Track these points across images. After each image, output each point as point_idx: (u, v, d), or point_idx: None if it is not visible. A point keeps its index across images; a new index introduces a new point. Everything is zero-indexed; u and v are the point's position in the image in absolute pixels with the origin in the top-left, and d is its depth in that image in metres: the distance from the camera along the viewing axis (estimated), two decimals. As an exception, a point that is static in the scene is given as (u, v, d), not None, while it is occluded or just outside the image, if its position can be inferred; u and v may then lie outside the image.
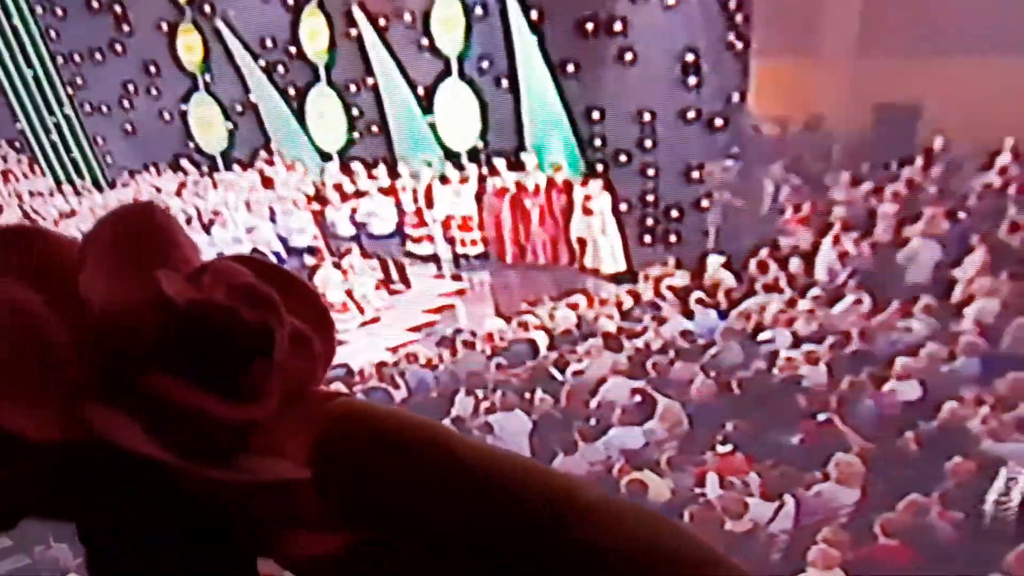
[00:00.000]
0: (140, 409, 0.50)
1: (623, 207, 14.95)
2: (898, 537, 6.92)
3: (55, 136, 18.08)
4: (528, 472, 0.56)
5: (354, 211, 15.30)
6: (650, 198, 15.06)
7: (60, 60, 17.89)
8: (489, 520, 0.54)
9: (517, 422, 9.09)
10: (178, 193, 16.51)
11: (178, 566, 0.53)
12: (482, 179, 15.45)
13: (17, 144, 18.46)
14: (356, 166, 16.30)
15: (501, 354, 11.14)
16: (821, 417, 8.50)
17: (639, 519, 0.56)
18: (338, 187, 15.97)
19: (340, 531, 0.55)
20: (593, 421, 9.12)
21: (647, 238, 15.13)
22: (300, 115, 17.22)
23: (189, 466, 0.50)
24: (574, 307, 12.72)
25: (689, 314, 11.48)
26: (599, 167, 14.92)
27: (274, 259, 13.74)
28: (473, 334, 11.96)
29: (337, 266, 14.28)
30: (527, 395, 9.67)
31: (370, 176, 15.79)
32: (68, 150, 18.08)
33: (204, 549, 0.53)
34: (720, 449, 8.23)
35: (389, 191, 15.61)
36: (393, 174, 15.82)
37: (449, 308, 14.63)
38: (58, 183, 18.05)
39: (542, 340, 11.58)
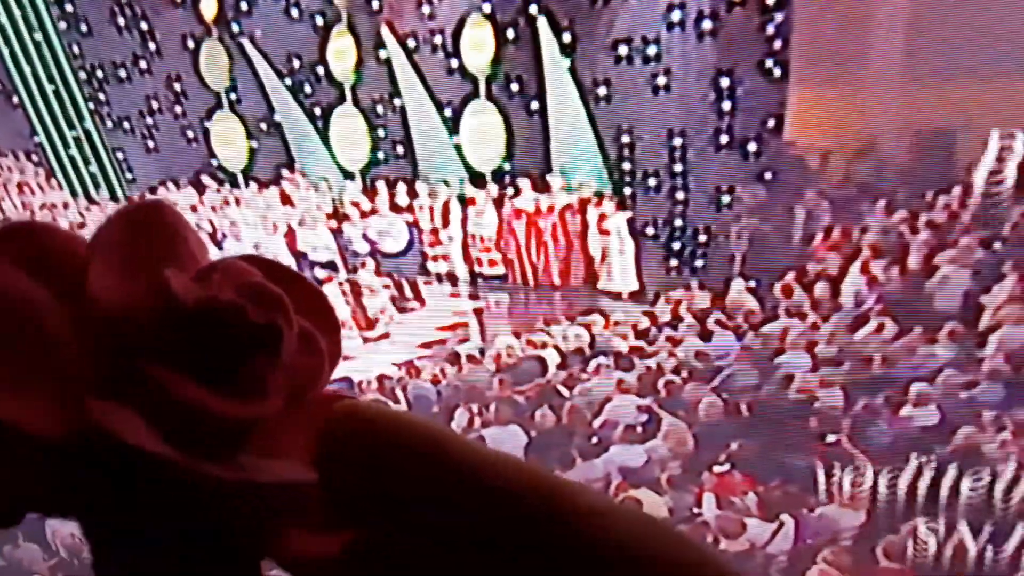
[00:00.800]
0: (144, 405, 0.50)
1: (649, 231, 14.89)
2: (901, 561, 6.80)
3: (74, 150, 18.25)
4: (529, 473, 0.57)
5: (367, 229, 15.30)
6: (678, 222, 15.00)
7: (83, 75, 18.14)
8: (489, 518, 0.55)
9: (511, 437, 9.09)
10: (194, 209, 16.60)
11: (180, 565, 0.53)
12: (501, 200, 15.45)
13: (35, 157, 18.57)
14: (377, 185, 16.35)
15: (508, 371, 11.15)
16: (830, 439, 8.39)
17: (638, 521, 0.56)
18: (356, 205, 16.03)
19: (342, 532, 0.55)
20: (596, 440, 9.15)
21: (673, 262, 15.03)
22: (324, 134, 17.37)
23: (193, 463, 0.50)
24: (588, 327, 12.67)
25: (707, 336, 11.44)
26: (626, 190, 14.86)
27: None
28: (482, 352, 11.87)
29: (349, 282, 14.29)
30: (530, 413, 9.70)
31: (391, 195, 15.82)
32: (87, 163, 18.26)
33: (206, 549, 0.53)
34: (717, 469, 8.20)
35: (406, 210, 15.68)
36: (412, 193, 15.87)
37: (462, 326, 14.63)
38: (74, 195, 18.22)
39: (552, 358, 11.56)
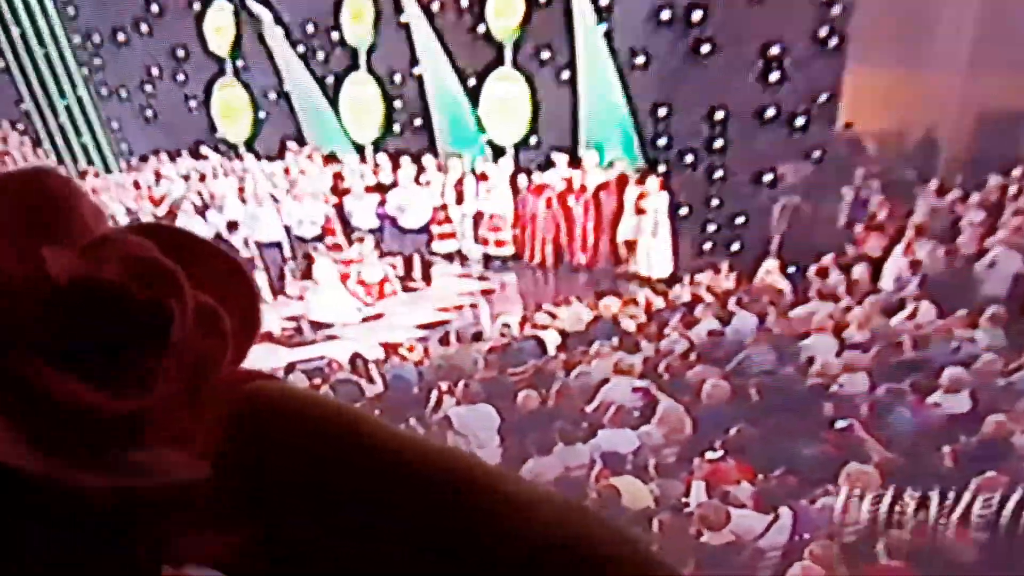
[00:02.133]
0: (13, 402, 0.48)
1: (683, 211, 14.56)
2: (903, 558, 6.41)
3: (64, 119, 18.06)
4: (452, 459, 0.58)
5: (382, 203, 15.07)
6: (714, 203, 14.74)
7: (77, 39, 17.98)
8: (407, 505, 0.55)
9: (482, 417, 8.86)
10: (186, 179, 16.44)
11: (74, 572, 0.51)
12: (517, 176, 15.19)
13: (20, 126, 18.30)
14: (385, 158, 16.15)
15: (500, 352, 10.84)
16: (841, 424, 8.03)
17: (560, 508, 0.58)
18: (365, 179, 15.81)
19: (241, 527, 0.54)
20: (586, 424, 8.88)
21: (706, 246, 14.74)
22: (335, 104, 17.15)
23: (68, 473, 0.48)
24: (593, 307, 12.41)
25: (727, 318, 11.11)
26: (661, 167, 14.59)
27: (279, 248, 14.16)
28: (478, 333, 11.61)
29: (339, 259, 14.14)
30: (511, 394, 9.40)
31: (395, 169, 15.57)
32: (79, 134, 18.06)
33: (85, 548, 0.51)
34: (710, 455, 7.89)
35: (417, 184, 15.40)
36: (423, 168, 15.60)
37: (466, 307, 14.36)
38: (62, 164, 17.78)
39: (552, 339, 11.29)
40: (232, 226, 14.03)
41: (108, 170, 18.03)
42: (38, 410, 0.48)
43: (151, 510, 0.51)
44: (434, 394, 9.57)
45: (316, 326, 12.92)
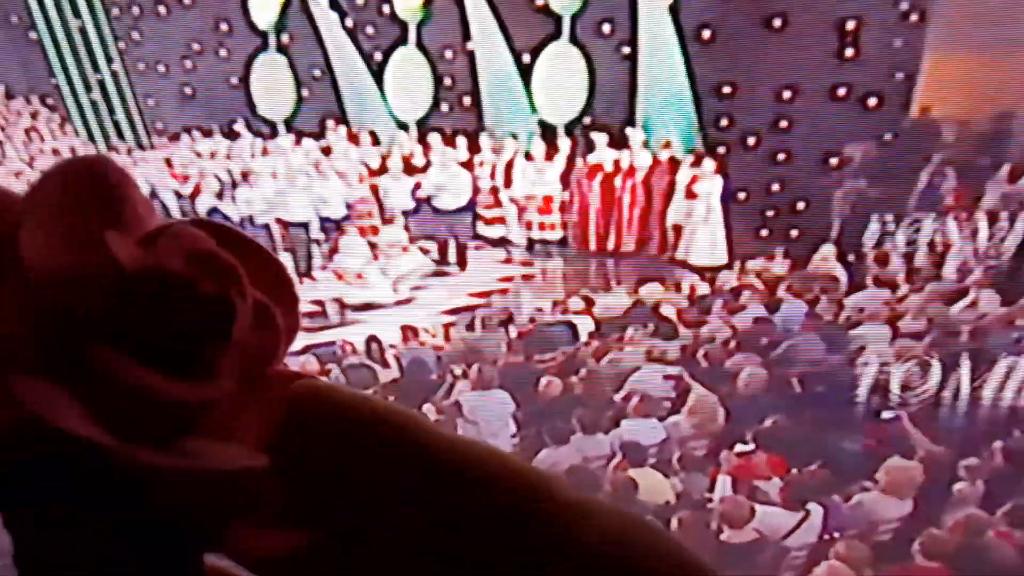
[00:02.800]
0: (80, 385, 0.49)
1: (741, 196, 14.23)
2: (940, 559, 6.11)
3: (97, 94, 17.83)
4: (503, 465, 0.58)
5: (418, 185, 14.89)
6: (775, 187, 14.33)
7: (115, 11, 17.66)
8: (466, 510, 0.56)
9: (496, 403, 8.72)
10: (212, 156, 16.35)
11: (114, 561, 0.52)
12: (572, 156, 14.88)
13: (50, 101, 18.03)
14: (429, 138, 15.81)
15: (528, 337, 10.73)
16: (886, 415, 7.80)
17: (618, 519, 0.58)
18: (406, 159, 15.53)
19: (299, 527, 0.54)
20: (610, 414, 8.68)
21: (763, 232, 14.32)
22: (380, 81, 16.94)
23: (132, 450, 0.49)
24: (634, 292, 12.25)
25: (775, 305, 10.94)
26: (720, 150, 14.24)
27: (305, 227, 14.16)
28: (509, 319, 11.49)
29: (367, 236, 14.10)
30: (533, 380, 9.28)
31: (435, 149, 15.34)
32: (112, 111, 17.88)
33: (145, 542, 0.53)
34: (739, 448, 7.71)
35: (466, 165, 15.17)
36: (474, 148, 15.38)
37: (500, 292, 14.12)
38: (93, 142, 17.70)
39: (585, 325, 11.07)
40: (253, 206, 14.03)
41: (141, 147, 17.93)
42: (107, 395, 0.48)
43: (205, 498, 0.51)
44: (448, 378, 9.45)
45: (343, 308, 12.79)
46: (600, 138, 14.46)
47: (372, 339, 10.51)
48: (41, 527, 0.51)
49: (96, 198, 0.52)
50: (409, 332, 11.19)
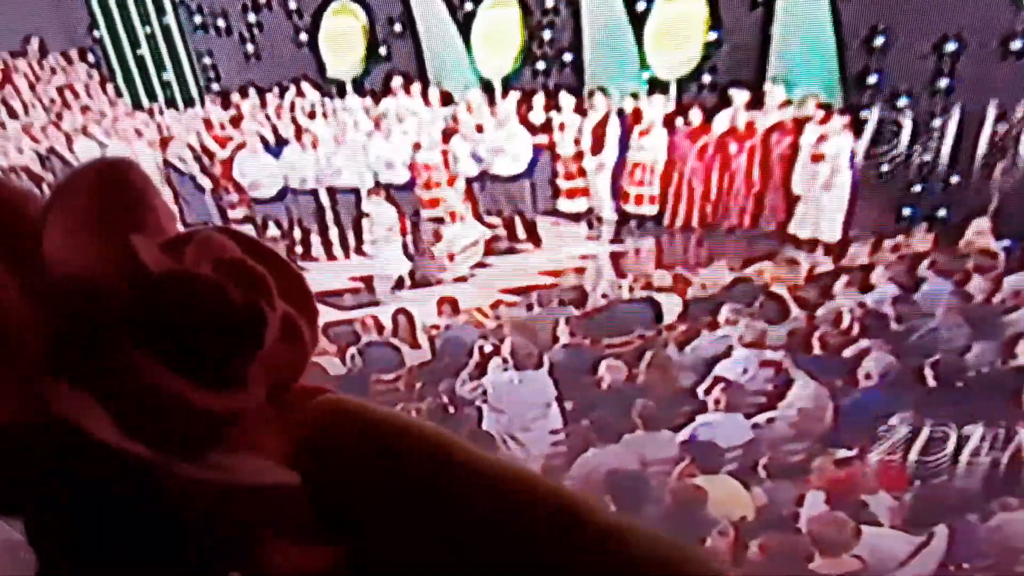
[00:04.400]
0: (106, 390, 0.50)
1: (884, 168, 13.27)
2: None
3: (144, 50, 17.01)
4: (535, 487, 0.60)
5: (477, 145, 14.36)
6: (926, 157, 13.29)
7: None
8: (488, 539, 0.57)
9: (530, 389, 7.96)
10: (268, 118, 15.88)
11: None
12: (676, 118, 13.96)
13: (91, 57, 17.34)
14: (515, 96, 15.23)
15: (596, 317, 9.91)
16: None
17: (655, 542, 0.60)
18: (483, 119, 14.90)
19: (327, 544, 0.56)
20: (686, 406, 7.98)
21: (906, 211, 13.31)
22: (467, 34, 16.23)
23: (164, 461, 0.50)
24: (737, 270, 11.63)
25: (914, 284, 10.25)
26: (864, 113, 13.34)
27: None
28: (582, 299, 10.64)
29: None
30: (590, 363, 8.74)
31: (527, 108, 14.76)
32: (161, 68, 17.15)
33: (169, 558, 0.53)
34: (841, 454, 7.00)
35: (541, 130, 14.44)
36: (551, 107, 14.64)
37: (576, 271, 13.26)
38: (137, 107, 16.83)
39: (672, 304, 10.24)
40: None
41: (190, 105, 17.25)
42: (137, 403, 0.49)
43: (234, 514, 0.52)
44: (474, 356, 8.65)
45: (392, 286, 12.20)
46: (740, 96, 13.59)
47: (400, 312, 9.77)
48: (62, 541, 0.51)
49: (120, 202, 0.54)
50: (447, 306, 10.36)
